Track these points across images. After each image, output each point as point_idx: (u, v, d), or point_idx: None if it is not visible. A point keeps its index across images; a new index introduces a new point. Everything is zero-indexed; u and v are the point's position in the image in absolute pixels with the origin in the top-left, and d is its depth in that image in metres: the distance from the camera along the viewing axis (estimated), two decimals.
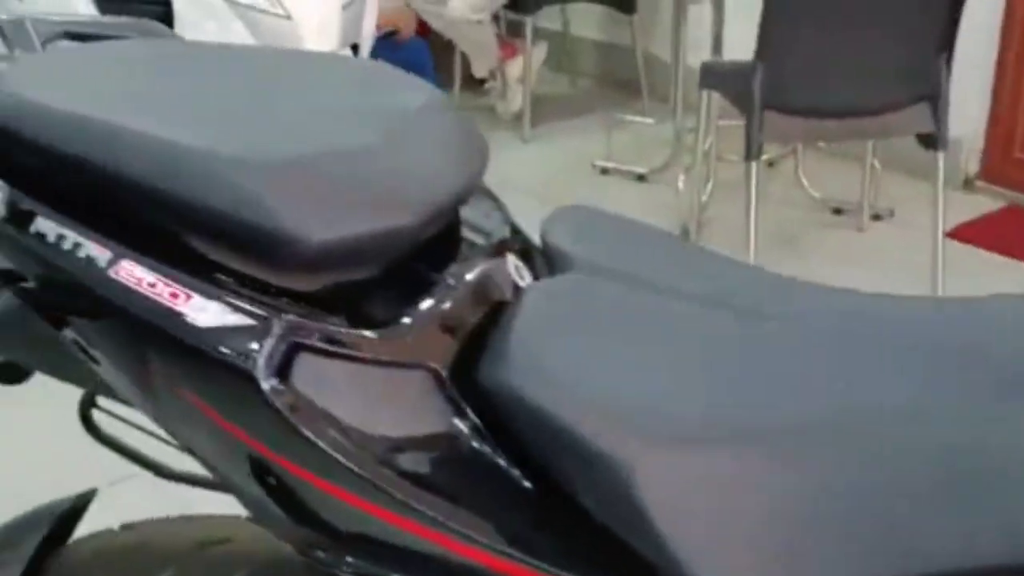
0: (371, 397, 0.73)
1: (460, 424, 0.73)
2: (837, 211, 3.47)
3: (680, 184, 3.40)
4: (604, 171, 3.77)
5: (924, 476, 0.67)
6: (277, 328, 0.71)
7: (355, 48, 2.90)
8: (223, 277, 0.72)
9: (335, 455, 0.71)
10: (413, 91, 0.85)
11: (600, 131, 4.03)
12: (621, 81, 4.54)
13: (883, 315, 0.79)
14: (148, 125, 0.73)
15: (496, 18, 4.37)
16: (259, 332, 0.71)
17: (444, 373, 0.74)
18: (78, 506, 1.01)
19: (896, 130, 2.91)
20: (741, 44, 2.80)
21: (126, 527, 0.99)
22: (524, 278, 0.82)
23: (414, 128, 0.79)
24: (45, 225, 0.74)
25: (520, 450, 0.72)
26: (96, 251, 0.72)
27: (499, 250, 0.83)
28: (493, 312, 0.77)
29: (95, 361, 0.77)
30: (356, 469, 0.71)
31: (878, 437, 0.68)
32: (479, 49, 4.19)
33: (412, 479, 0.72)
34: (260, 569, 0.86)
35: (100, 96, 0.77)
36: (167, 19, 2.72)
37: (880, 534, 0.66)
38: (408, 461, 0.72)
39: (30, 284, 0.75)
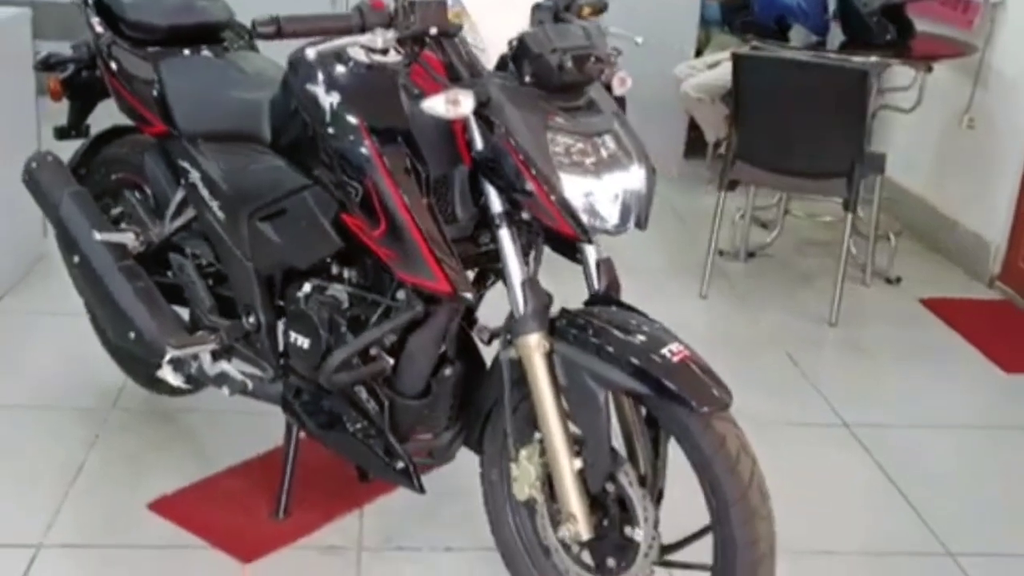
0: (133, 63, 2.66)
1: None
2: (863, 270, 4.61)
3: None
4: (720, 252, 4.63)
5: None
6: (115, 41, 2.70)
7: None
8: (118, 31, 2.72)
9: (122, 82, 2.67)
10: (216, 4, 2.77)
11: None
12: None
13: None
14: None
15: None
16: (109, 40, 2.70)
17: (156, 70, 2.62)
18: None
19: (822, 191, 4.20)
20: None
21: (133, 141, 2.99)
22: None
23: (195, 3, 2.71)
24: (89, 13, 2.74)
25: None
26: (96, 23, 2.74)
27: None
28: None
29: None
30: (127, 86, 2.65)
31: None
32: (705, 122, 5.76)
33: (131, 85, 2.67)
34: None
35: None
36: None
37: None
38: (136, 77, 2.66)
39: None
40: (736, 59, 4.06)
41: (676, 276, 4.43)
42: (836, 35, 4.58)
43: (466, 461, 2.43)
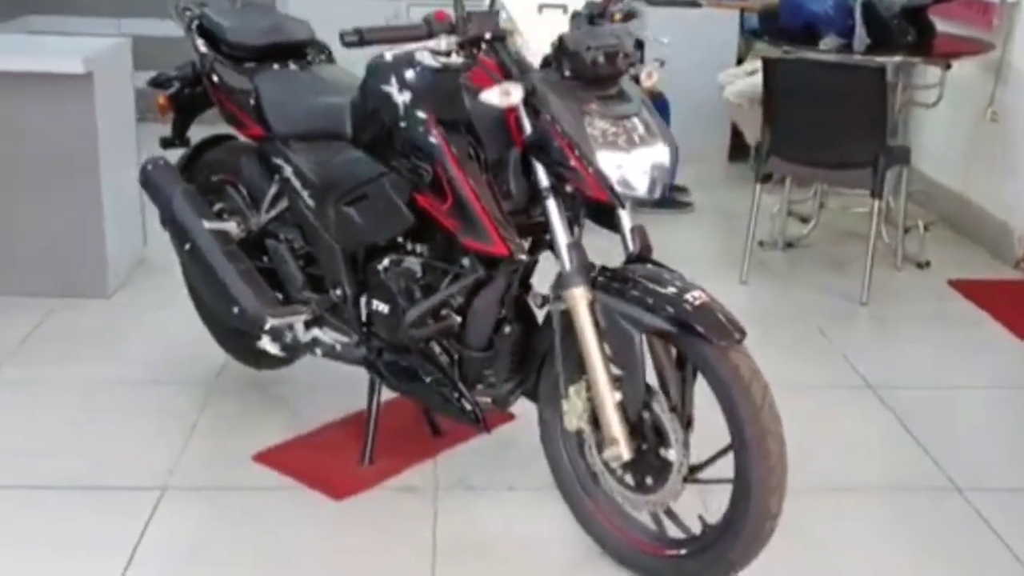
0: (233, 77, 3.12)
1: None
2: (894, 255, 4.95)
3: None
4: (761, 243, 5.06)
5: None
6: (217, 59, 3.15)
7: None
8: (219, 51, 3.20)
9: (224, 93, 3.11)
10: (295, 21, 3.22)
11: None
12: None
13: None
14: (227, 20, 3.16)
15: None
16: (212, 59, 3.16)
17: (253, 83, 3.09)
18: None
19: (849, 181, 4.54)
20: None
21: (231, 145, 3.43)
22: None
23: (284, 25, 3.16)
24: (194, 36, 3.20)
25: None
26: (201, 45, 3.22)
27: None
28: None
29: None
30: (229, 97, 3.11)
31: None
32: (745, 126, 6.11)
33: (232, 95, 3.13)
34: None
35: (220, 15, 3.21)
36: None
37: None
38: (236, 89, 3.12)
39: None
40: (766, 63, 4.43)
41: (720, 265, 4.79)
42: (865, 38, 4.91)
43: (526, 417, 2.84)
